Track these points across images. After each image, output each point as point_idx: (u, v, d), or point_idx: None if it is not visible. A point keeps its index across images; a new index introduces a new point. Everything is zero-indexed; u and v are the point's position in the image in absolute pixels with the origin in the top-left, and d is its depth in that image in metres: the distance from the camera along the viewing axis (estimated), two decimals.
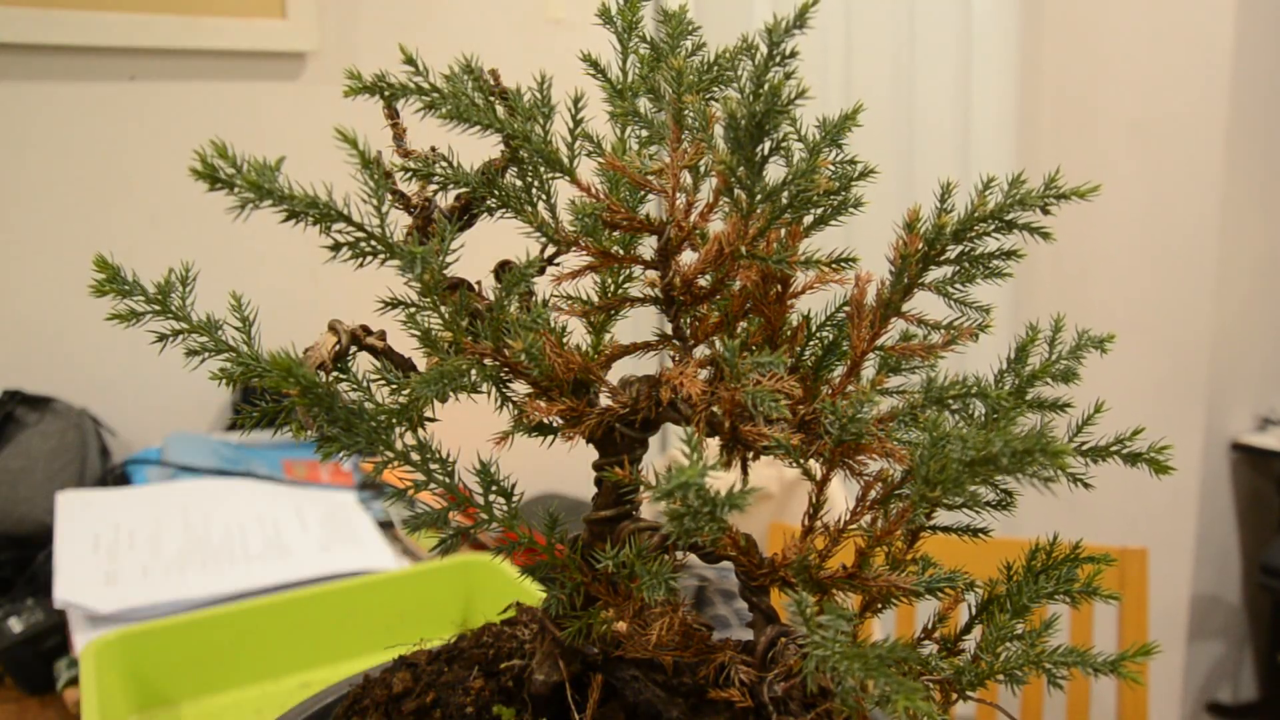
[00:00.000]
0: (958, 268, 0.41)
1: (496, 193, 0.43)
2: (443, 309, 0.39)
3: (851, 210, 0.41)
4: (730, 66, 0.43)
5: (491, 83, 0.43)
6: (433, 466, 0.41)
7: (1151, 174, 2.15)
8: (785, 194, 0.37)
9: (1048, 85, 2.26)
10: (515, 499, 0.43)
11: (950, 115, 2.14)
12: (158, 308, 0.40)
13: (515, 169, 0.44)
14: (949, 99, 2.13)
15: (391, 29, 1.60)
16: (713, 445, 0.41)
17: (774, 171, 0.39)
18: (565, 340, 0.42)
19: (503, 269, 0.43)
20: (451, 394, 0.38)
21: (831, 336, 0.45)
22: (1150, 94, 2.14)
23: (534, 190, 0.44)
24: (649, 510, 0.45)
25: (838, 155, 0.41)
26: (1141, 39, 2.14)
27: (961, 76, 2.13)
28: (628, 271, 0.46)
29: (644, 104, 0.46)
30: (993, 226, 0.39)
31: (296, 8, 1.51)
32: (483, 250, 0.44)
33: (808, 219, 0.42)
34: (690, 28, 0.45)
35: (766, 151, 0.37)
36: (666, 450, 1.88)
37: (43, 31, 1.37)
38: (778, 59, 0.41)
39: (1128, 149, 2.17)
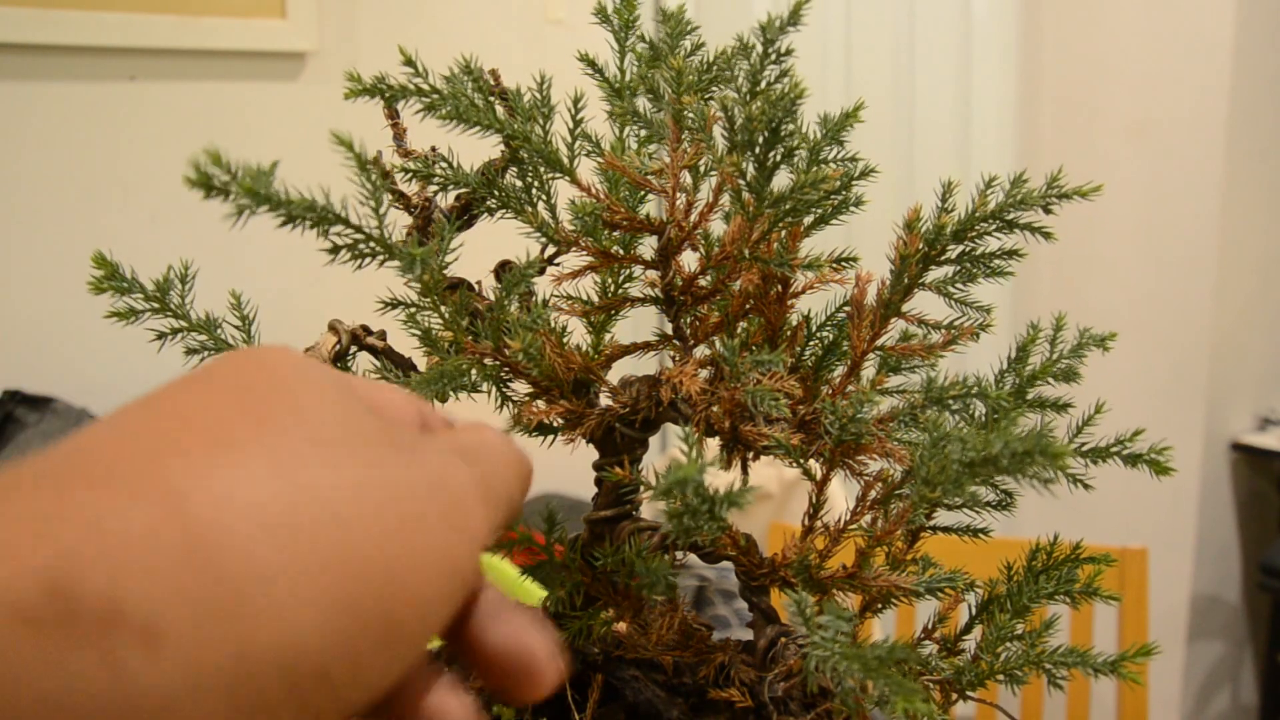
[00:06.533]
0: (958, 267, 0.41)
1: (496, 193, 0.43)
2: (443, 309, 0.39)
3: (852, 209, 0.41)
4: (728, 66, 0.43)
5: (491, 83, 0.43)
6: None
7: (1151, 174, 2.15)
8: (792, 199, 0.37)
9: (1048, 85, 2.26)
10: None
11: (950, 115, 2.13)
12: (156, 305, 0.40)
13: (515, 169, 0.44)
14: (949, 99, 2.13)
15: (391, 29, 1.60)
16: (713, 445, 0.41)
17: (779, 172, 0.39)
18: (565, 340, 0.42)
19: (503, 269, 0.43)
20: (451, 394, 0.38)
21: (831, 336, 0.45)
22: (1150, 94, 2.14)
23: (534, 190, 0.44)
24: (649, 510, 0.45)
25: (838, 154, 0.41)
26: (1141, 39, 2.14)
27: (961, 76, 2.13)
28: (628, 271, 0.46)
29: (643, 104, 0.46)
30: (994, 226, 0.39)
31: (296, 8, 1.51)
32: (483, 250, 0.44)
33: (808, 219, 0.42)
34: (689, 27, 0.45)
35: (779, 158, 0.37)
36: (666, 450, 1.88)
37: (43, 31, 1.37)
38: (773, 56, 0.41)
39: (1128, 149, 2.17)
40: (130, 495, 0.18)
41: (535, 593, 0.44)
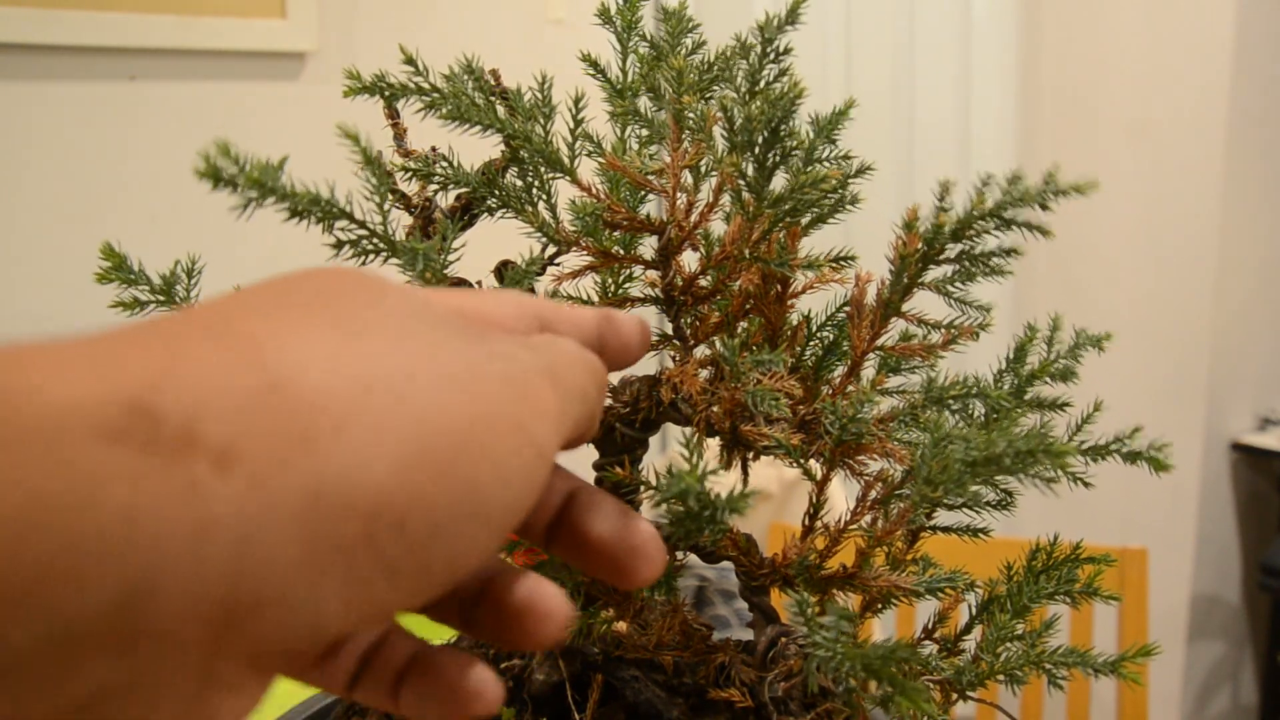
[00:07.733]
0: (957, 266, 0.41)
1: (497, 193, 0.43)
2: None
3: (849, 208, 0.41)
4: (728, 66, 0.43)
5: (492, 83, 0.43)
6: None
7: (1151, 174, 2.15)
8: (791, 199, 0.37)
9: (1048, 85, 2.26)
10: None
11: (950, 115, 2.13)
12: (161, 298, 0.40)
13: (516, 169, 0.44)
14: (949, 99, 2.13)
15: (391, 29, 1.60)
16: (713, 445, 0.41)
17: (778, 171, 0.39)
18: None
19: (504, 268, 0.43)
20: None
21: (832, 336, 0.45)
22: (1150, 94, 2.14)
23: (534, 190, 0.44)
24: (649, 510, 0.45)
25: (833, 151, 0.41)
26: (1141, 39, 2.14)
27: (961, 76, 2.13)
28: (628, 271, 0.46)
29: (644, 103, 0.46)
30: (992, 224, 0.39)
31: (296, 8, 1.51)
32: (483, 250, 0.44)
33: (806, 218, 0.42)
34: (690, 25, 0.45)
35: (779, 158, 0.37)
36: (667, 450, 1.88)
37: (43, 31, 1.37)
38: (772, 56, 0.41)
39: (1128, 149, 2.17)
40: (210, 338, 0.20)
41: None
